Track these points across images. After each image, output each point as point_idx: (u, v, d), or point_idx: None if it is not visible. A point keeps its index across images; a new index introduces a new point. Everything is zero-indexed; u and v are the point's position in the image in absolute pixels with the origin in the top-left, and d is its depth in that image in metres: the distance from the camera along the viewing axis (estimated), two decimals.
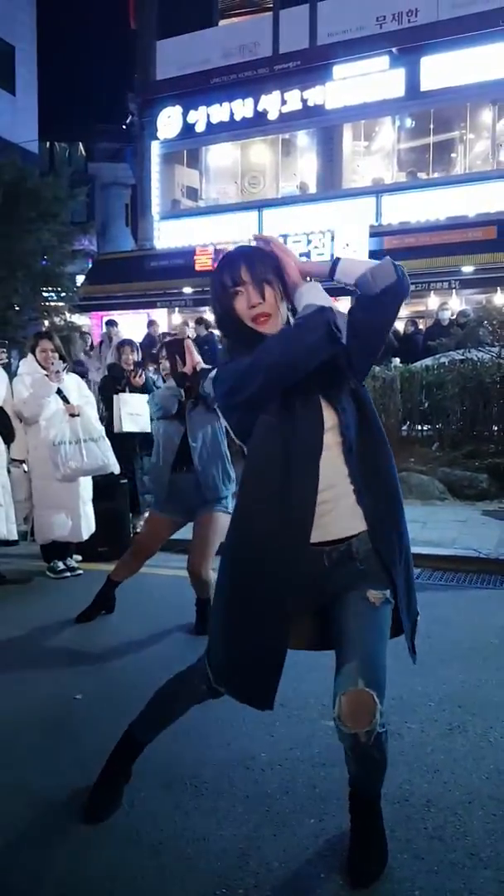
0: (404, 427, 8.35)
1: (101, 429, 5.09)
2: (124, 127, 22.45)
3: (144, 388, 6.35)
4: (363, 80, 15.67)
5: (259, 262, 1.84)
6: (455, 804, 2.19)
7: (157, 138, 18.51)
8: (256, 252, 1.89)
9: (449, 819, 2.12)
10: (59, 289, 12.30)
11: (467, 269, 13.64)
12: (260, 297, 1.80)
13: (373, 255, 14.59)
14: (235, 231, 16.58)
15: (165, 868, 1.95)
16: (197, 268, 16.57)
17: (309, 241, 15.24)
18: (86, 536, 5.01)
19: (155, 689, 2.18)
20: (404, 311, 14.92)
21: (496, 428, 7.68)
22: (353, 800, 1.97)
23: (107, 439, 5.08)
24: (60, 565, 5.04)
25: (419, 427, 8.35)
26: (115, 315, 14.33)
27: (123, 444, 5.82)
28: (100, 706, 2.91)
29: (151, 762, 2.48)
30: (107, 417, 6.21)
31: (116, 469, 5.16)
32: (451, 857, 1.95)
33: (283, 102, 16.74)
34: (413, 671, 3.06)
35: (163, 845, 2.04)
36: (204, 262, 16.52)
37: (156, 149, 18.66)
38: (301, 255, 15.25)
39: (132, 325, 13.76)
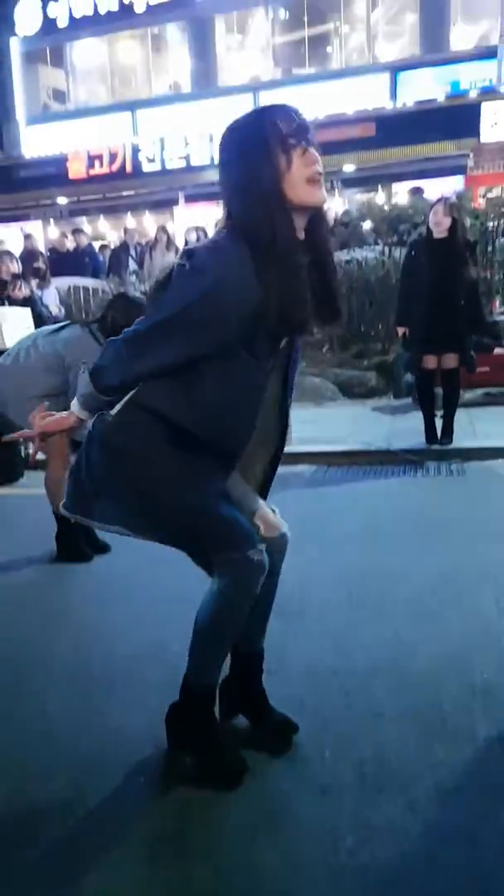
0: None
1: None
2: None
3: (26, 303, 6.07)
4: None
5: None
6: (358, 670, 2.29)
7: (15, 34, 16.93)
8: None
9: (354, 685, 2.21)
10: None
11: (348, 168, 13.52)
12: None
13: None
14: (109, 134, 15.64)
15: (83, 759, 1.95)
16: (70, 175, 15.62)
17: (187, 143, 14.59)
18: None
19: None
20: None
21: (382, 326, 7.82)
22: (239, 659, 1.96)
23: None
24: None
25: None
26: None
27: None
28: None
29: (62, 662, 2.46)
30: None
31: None
32: (357, 718, 2.04)
33: None
34: (313, 558, 3.17)
35: (78, 738, 2.04)
36: (77, 169, 15.58)
37: (16, 46, 17.13)
38: (180, 158, 14.65)
39: (6, 238, 12.90)
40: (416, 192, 9.35)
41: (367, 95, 14.20)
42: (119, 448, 1.68)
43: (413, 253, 5.25)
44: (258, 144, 1.54)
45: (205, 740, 1.85)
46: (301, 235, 1.61)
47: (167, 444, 1.65)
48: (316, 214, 1.64)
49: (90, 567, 3.45)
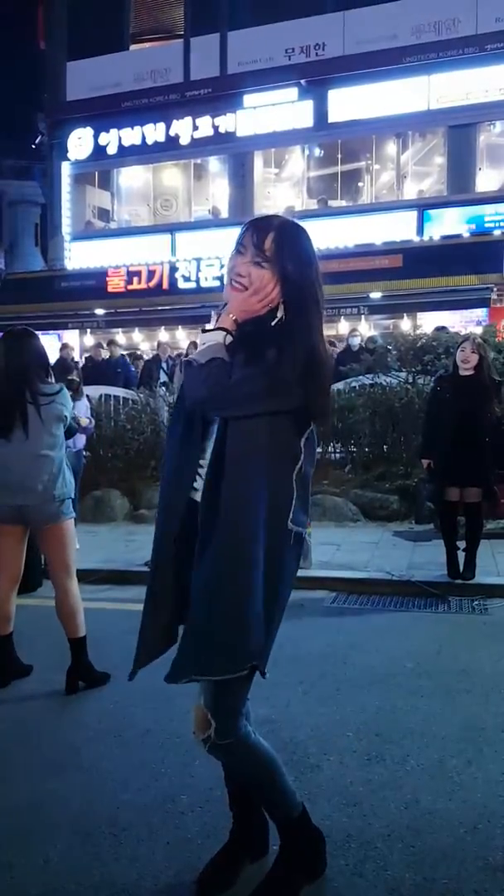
0: (318, 450, 8.47)
1: None
2: (33, 147, 22.07)
3: None
4: (273, 109, 16.05)
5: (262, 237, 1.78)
6: (375, 837, 2.20)
7: (67, 159, 18.29)
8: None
9: (369, 854, 2.12)
10: None
11: (375, 295, 14.08)
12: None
13: None
14: (148, 253, 16.53)
15: None
16: (109, 289, 16.39)
17: (222, 266, 15.36)
18: None
19: None
20: None
21: (404, 450, 7.93)
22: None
23: None
24: None
25: (332, 450, 8.50)
26: None
27: None
28: None
29: (67, 810, 2.39)
30: None
31: None
32: (371, 893, 1.95)
33: (195, 128, 16.92)
34: (331, 700, 3.10)
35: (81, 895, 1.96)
36: (116, 284, 16.37)
37: (66, 169, 18.44)
38: (215, 278, 15.35)
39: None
40: (441, 329, 9.77)
41: (395, 229, 14.97)
42: None
43: (439, 388, 5.38)
44: None
45: None
46: None
47: None
48: None
49: (102, 695, 3.40)
